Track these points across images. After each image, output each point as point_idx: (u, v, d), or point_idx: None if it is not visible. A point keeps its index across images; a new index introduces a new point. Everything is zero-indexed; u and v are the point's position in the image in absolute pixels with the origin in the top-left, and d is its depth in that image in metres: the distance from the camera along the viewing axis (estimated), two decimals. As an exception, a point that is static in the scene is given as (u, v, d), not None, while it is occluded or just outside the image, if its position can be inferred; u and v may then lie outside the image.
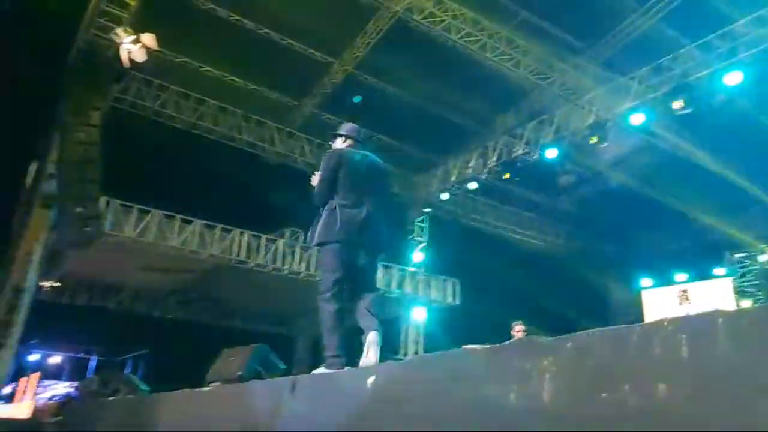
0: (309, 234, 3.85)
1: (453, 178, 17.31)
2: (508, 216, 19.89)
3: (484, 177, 16.12)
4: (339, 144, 4.10)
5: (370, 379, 2.91)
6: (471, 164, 16.53)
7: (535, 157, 14.66)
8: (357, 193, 3.75)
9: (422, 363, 2.90)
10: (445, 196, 17.72)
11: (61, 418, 10.14)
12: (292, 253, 15.79)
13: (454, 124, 15.68)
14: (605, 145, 12.97)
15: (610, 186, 16.66)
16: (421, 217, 19.19)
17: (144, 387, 8.70)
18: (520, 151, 14.93)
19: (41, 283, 15.06)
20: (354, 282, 3.69)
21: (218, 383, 5.05)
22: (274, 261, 15.46)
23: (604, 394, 1.81)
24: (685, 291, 12.88)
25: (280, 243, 15.78)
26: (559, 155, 14.32)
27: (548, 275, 17.80)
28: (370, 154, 4.00)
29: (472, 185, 16.64)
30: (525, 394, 2.12)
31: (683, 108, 11.47)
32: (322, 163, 3.89)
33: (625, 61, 12.73)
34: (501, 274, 16.95)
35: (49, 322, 18.65)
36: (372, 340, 3.48)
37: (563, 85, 13.36)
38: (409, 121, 15.40)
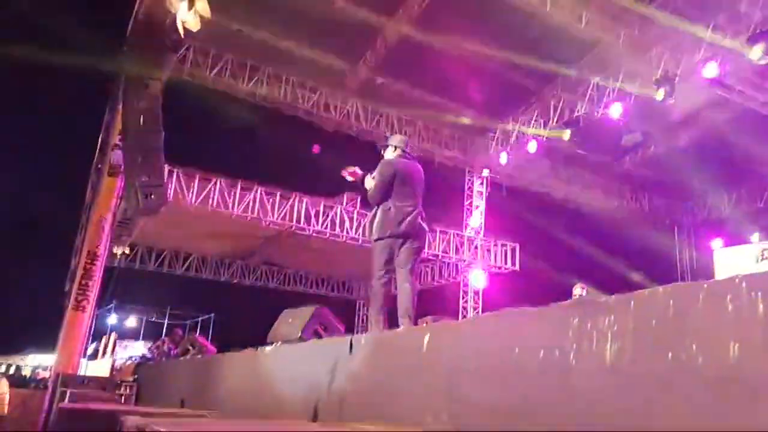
0: (367, 228, 4.85)
1: (512, 140, 16.88)
2: (570, 178, 19.27)
3: (544, 137, 15.62)
4: (390, 153, 4.87)
5: (426, 339, 2.89)
6: (531, 124, 16.03)
7: (598, 115, 14.05)
8: (407, 196, 4.58)
9: (478, 323, 2.85)
10: (503, 158, 17.33)
11: (137, 376, 10.77)
12: (351, 219, 15.92)
13: (513, 83, 15.13)
14: (674, 100, 12.25)
15: (679, 145, 15.82)
16: (480, 181, 18.88)
17: (211, 347, 9.07)
18: (583, 110, 14.33)
19: (114, 250, 15.85)
20: (401, 266, 4.49)
21: (279, 343, 5.19)
22: (333, 227, 15.64)
23: (669, 354, 1.72)
24: (766, 249, 12.10)
25: (339, 209, 15.92)
26: (625, 113, 13.66)
27: (612, 238, 17.25)
28: (415, 162, 4.90)
29: (532, 146, 16.17)
30: (584, 354, 2.04)
31: (762, 58, 10.66)
32: (378, 169, 4.70)
33: (697, 8, 11.87)
34: (562, 238, 16.55)
35: (124, 286, 19.73)
36: (404, 315, 4.16)
37: (630, 37, 12.64)
38: (466, 82, 15.02)
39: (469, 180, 19.02)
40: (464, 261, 18.13)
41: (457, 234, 18.22)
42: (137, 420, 1.41)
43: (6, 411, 9.08)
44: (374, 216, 4.61)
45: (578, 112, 14.47)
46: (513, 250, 18.56)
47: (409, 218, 4.49)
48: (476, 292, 18.24)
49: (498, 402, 2.32)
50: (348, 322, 20.66)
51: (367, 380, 3.26)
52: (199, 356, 7.86)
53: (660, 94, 12.13)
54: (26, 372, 22.42)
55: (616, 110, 13.59)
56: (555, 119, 15.09)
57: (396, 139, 4.96)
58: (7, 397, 9.13)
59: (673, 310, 1.77)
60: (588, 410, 1.95)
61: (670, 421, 1.65)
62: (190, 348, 8.87)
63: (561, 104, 15.06)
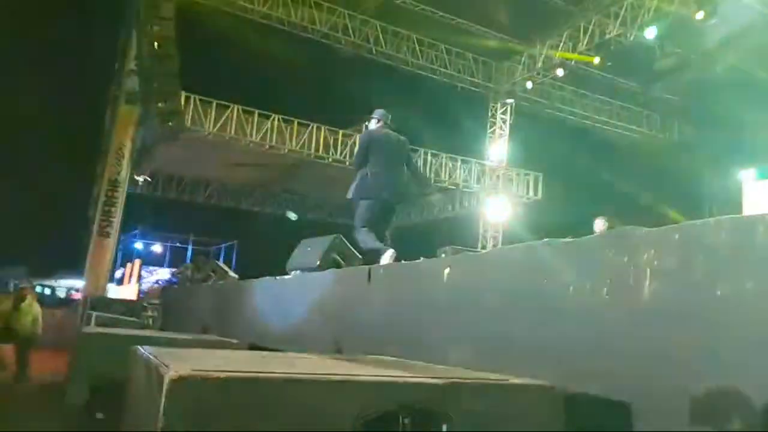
0: (349, 190, 5.20)
1: (538, 65, 16.19)
2: (598, 105, 18.60)
3: (572, 62, 14.94)
4: (373, 125, 5.32)
5: (446, 270, 2.78)
6: (559, 48, 15.29)
7: (631, 37, 13.31)
8: (381, 164, 5.04)
9: (504, 255, 2.71)
10: (529, 84, 16.72)
11: (162, 300, 11.03)
12: (369, 148, 15.68)
13: (541, 3, 14.30)
14: (714, 21, 11.49)
15: (715, 70, 15.02)
16: (503, 109, 18.34)
17: (232, 274, 9.15)
18: (615, 32, 13.57)
19: (135, 177, 15.94)
20: (378, 223, 5.03)
21: (298, 271, 5.15)
22: (352, 155, 15.44)
23: (718, 292, 1.57)
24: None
25: (357, 137, 15.67)
26: (659, 35, 12.92)
27: (639, 169, 16.79)
28: (392, 132, 5.24)
29: (559, 72, 15.52)
30: (619, 291, 1.90)
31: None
32: (359, 139, 5.31)
33: None
34: (588, 167, 16.16)
35: (147, 213, 20.01)
36: (388, 255, 4.50)
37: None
38: (491, 2, 14.27)
39: (493, 107, 18.48)
40: (485, 191, 17.92)
41: (479, 163, 17.92)
42: (179, 364, 1.32)
43: (40, 331, 9.41)
44: (355, 180, 5.16)
45: (609, 34, 13.71)
46: (536, 180, 18.27)
47: (380, 183, 5.01)
48: (497, 223, 18.13)
49: (523, 339, 2.21)
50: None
51: (386, 311, 3.19)
52: (221, 282, 7.94)
53: (699, 15, 11.38)
54: (61, 293, 23.23)
55: (650, 32, 12.85)
56: (584, 42, 14.36)
57: (378, 112, 5.36)
58: (41, 318, 9.43)
59: (725, 244, 1.60)
60: (621, 352, 1.82)
61: (715, 367, 1.51)
62: (212, 274, 8.94)
63: (592, 26, 14.25)
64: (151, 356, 1.62)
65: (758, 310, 1.44)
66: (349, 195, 5.22)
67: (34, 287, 17.74)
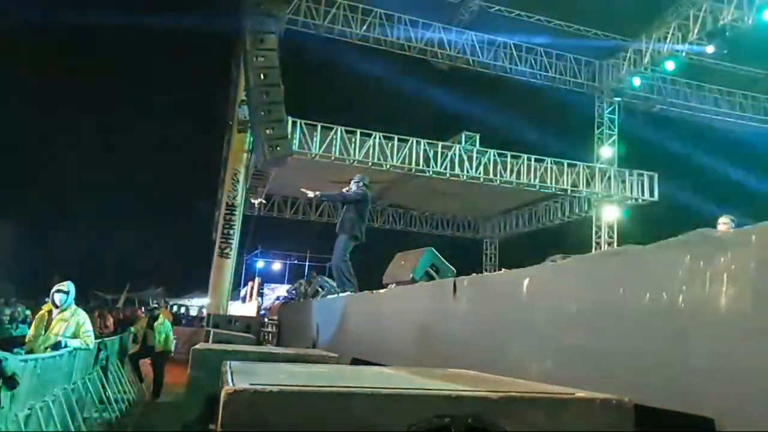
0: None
1: (646, 60, 15.29)
2: (714, 98, 17.19)
3: (683, 53, 13.96)
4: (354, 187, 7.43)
5: (525, 282, 2.74)
6: (667, 40, 14.36)
7: (749, 21, 12.21)
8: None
9: (579, 264, 2.64)
10: (637, 81, 15.84)
11: (279, 315, 11.59)
12: (470, 159, 15.59)
13: (644, -5, 13.58)
14: None
15: None
16: (611, 108, 17.49)
17: (337, 288, 9.43)
18: (730, 17, 12.52)
19: (252, 200, 17.00)
20: None
21: (393, 285, 5.25)
22: (453, 167, 15.44)
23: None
24: None
25: (457, 148, 15.64)
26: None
27: (765, 163, 15.29)
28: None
29: (670, 65, 14.57)
30: (692, 297, 1.79)
31: None
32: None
33: None
34: (708, 165, 14.98)
35: (266, 233, 21.22)
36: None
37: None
38: (587, 1, 13.74)
39: (599, 107, 17.68)
40: (596, 194, 17.14)
41: (588, 166, 17.19)
42: (244, 378, 1.46)
43: (172, 347, 10.19)
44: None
45: (724, 20, 12.66)
46: (651, 180, 17.18)
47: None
48: (610, 227, 17.26)
49: (598, 349, 2.14)
50: (474, 262, 20.65)
51: (469, 324, 3.20)
52: (327, 296, 8.24)
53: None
54: (193, 312, 25.15)
55: (771, 13, 11.74)
56: (695, 32, 13.37)
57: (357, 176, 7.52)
58: (172, 335, 10.23)
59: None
60: (696, 361, 1.72)
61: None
62: (319, 289, 9.28)
63: (702, 13, 13.26)
64: (229, 370, 1.77)
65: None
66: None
67: (167, 306, 19.44)
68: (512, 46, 16.06)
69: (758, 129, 17.43)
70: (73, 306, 5.54)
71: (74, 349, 5.36)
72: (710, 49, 13.02)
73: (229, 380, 1.51)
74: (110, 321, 12.17)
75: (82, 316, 5.58)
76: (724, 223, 7.81)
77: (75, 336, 5.38)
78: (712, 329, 1.71)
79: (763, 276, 1.60)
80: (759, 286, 1.60)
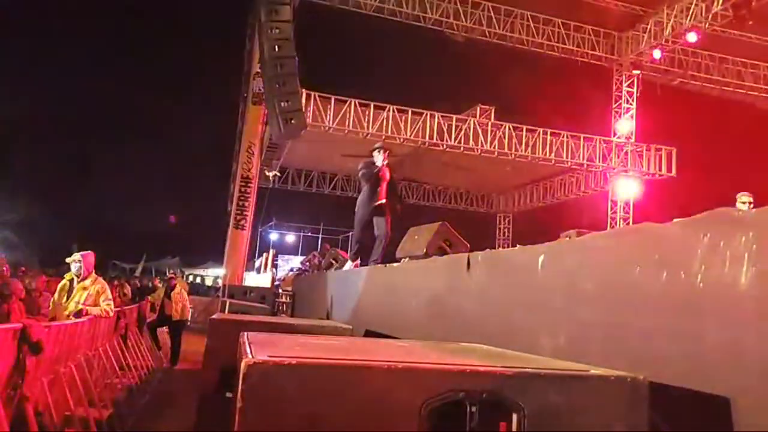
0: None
1: (666, 32, 14.93)
2: (738, 71, 16.78)
3: (706, 25, 13.61)
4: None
5: (541, 258, 2.74)
6: (690, 11, 13.99)
7: (777, -10, 11.88)
8: None
9: (594, 241, 2.63)
10: (657, 54, 15.49)
11: (293, 287, 11.74)
12: (485, 132, 15.44)
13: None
14: None
15: None
16: (629, 81, 17.17)
17: (350, 261, 9.50)
18: (757, -14, 12.18)
19: (266, 173, 17.06)
20: None
21: (406, 259, 5.28)
22: (467, 140, 15.32)
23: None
24: None
25: (472, 122, 15.49)
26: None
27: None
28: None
29: (692, 37, 14.22)
30: (711, 276, 1.78)
31: None
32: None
33: None
34: (727, 140, 14.71)
35: (279, 205, 21.35)
36: None
37: None
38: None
39: (618, 80, 17.37)
40: (613, 169, 16.96)
41: (605, 140, 16.98)
42: (263, 349, 1.48)
43: (189, 316, 10.41)
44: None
45: (750, -11, 12.31)
46: (669, 155, 16.94)
47: None
48: (627, 203, 17.11)
49: (613, 327, 2.15)
50: (488, 236, 20.62)
51: (482, 299, 3.21)
52: (340, 269, 8.31)
53: None
54: (209, 282, 25.50)
55: (801, -18, 11.39)
56: (720, 2, 13.00)
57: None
58: (189, 305, 10.43)
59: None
60: (713, 340, 1.72)
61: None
62: (333, 262, 9.36)
63: (727, -18, 12.89)
64: (246, 342, 1.80)
65: None
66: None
67: (183, 276, 19.73)
68: (529, 17, 15.75)
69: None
70: (94, 275, 5.68)
71: (95, 316, 5.48)
72: (736, 18, 12.66)
73: (248, 351, 1.53)
74: (128, 290, 12.38)
75: (102, 284, 5.72)
76: (744, 201, 7.71)
77: (95, 304, 5.51)
78: (730, 309, 1.71)
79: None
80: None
